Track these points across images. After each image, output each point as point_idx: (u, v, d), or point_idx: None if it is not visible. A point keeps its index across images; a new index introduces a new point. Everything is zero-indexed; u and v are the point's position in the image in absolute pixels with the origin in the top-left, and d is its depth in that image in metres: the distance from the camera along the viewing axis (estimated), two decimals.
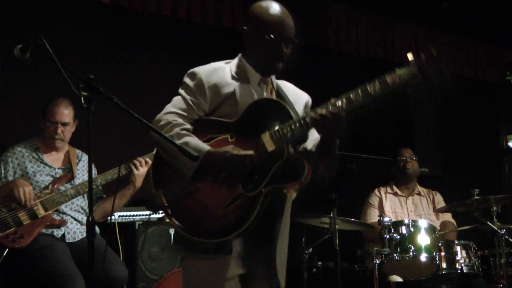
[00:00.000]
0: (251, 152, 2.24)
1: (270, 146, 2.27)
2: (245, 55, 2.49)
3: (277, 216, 2.41)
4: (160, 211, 3.97)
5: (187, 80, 2.43)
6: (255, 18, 2.45)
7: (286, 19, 2.44)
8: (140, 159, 3.83)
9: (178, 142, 2.21)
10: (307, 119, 2.26)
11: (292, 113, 2.31)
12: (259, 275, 2.39)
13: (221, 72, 2.43)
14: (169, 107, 2.38)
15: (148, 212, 4.28)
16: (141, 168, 3.81)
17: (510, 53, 7.19)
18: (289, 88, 2.59)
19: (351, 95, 2.32)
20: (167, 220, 4.20)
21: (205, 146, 2.25)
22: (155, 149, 2.41)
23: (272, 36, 2.39)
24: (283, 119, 2.29)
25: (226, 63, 2.50)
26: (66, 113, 3.77)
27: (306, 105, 2.59)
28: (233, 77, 2.42)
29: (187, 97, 2.38)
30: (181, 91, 2.42)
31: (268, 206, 2.26)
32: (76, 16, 4.70)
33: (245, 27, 2.48)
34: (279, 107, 2.34)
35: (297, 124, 2.27)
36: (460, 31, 6.67)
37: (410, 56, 2.29)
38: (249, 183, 2.24)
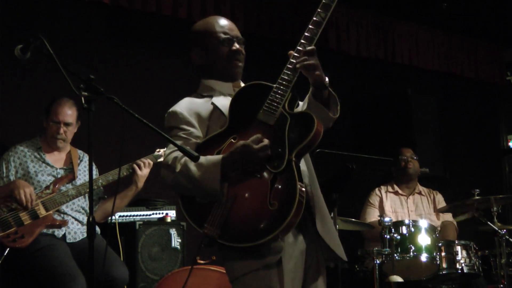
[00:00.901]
0: (256, 136, 2.22)
1: (270, 120, 2.26)
2: (204, 76, 2.51)
3: (310, 213, 2.36)
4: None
5: (169, 122, 2.40)
6: (196, 36, 2.50)
7: (219, 20, 2.50)
8: (143, 160, 3.83)
9: (192, 167, 2.19)
10: (285, 76, 2.29)
11: (269, 83, 2.32)
12: (314, 261, 2.38)
13: (194, 100, 2.44)
14: (167, 151, 2.34)
15: (149, 212, 4.29)
16: (144, 169, 3.81)
17: (510, 53, 7.19)
18: None
19: (308, 34, 2.35)
20: (169, 221, 4.23)
21: (218, 156, 2.23)
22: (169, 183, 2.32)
23: (218, 39, 2.43)
24: (267, 93, 2.30)
25: (193, 94, 2.50)
26: (69, 113, 3.77)
27: None
28: (206, 96, 2.43)
29: (179, 133, 2.35)
30: (171, 132, 2.39)
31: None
32: (76, 16, 4.70)
33: (191, 54, 2.50)
34: (256, 87, 2.36)
35: (280, 86, 2.29)
36: (460, 31, 6.68)
37: None
38: (274, 160, 2.21)
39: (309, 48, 2.30)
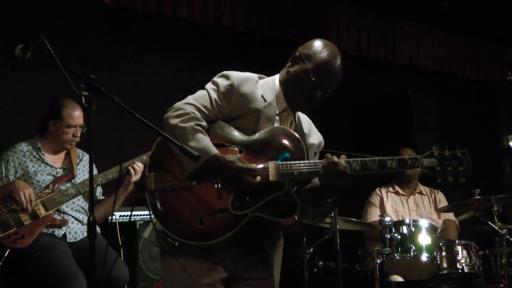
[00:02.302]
0: (255, 167, 2.24)
1: (272, 176, 2.26)
2: (282, 78, 2.48)
3: (267, 239, 2.40)
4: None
5: (218, 79, 2.40)
6: (310, 52, 2.42)
7: (336, 66, 2.42)
8: (135, 166, 3.80)
9: (190, 135, 2.22)
10: (319, 166, 2.27)
11: (306, 155, 2.30)
12: (249, 277, 2.38)
13: (253, 85, 2.41)
14: (191, 99, 2.36)
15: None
16: (137, 175, 3.80)
17: (511, 53, 7.19)
18: (306, 122, 2.60)
19: (368, 163, 2.34)
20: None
21: (214, 149, 2.24)
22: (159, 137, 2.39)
23: (308, 76, 2.38)
24: (295, 156, 2.29)
25: (260, 77, 2.49)
26: (81, 115, 3.78)
27: (319, 145, 2.60)
28: (262, 96, 2.41)
29: (213, 96, 2.35)
30: (209, 87, 2.39)
31: (259, 227, 2.27)
32: (77, 15, 4.70)
33: (297, 53, 2.46)
34: (297, 143, 2.33)
35: (307, 165, 2.27)
36: (461, 31, 6.68)
37: (435, 149, 2.40)
38: (240, 202, 2.24)
39: (347, 167, 2.29)
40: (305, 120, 2.60)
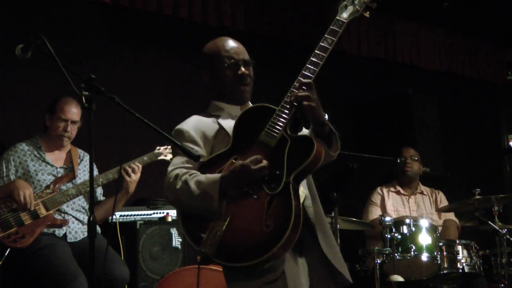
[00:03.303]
0: (256, 156, 2.24)
1: (271, 142, 2.27)
2: (214, 97, 2.54)
3: (310, 226, 2.37)
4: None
5: (175, 139, 2.40)
6: (204, 58, 2.54)
7: (225, 43, 2.54)
8: (132, 165, 3.80)
9: (192, 185, 2.22)
10: (287, 99, 2.29)
11: (272, 106, 2.33)
12: (319, 279, 2.36)
13: (201, 119, 2.47)
14: (170, 168, 2.36)
15: (149, 212, 4.29)
16: (133, 175, 3.79)
17: (511, 53, 7.19)
18: None
19: (314, 59, 2.37)
20: (169, 220, 4.23)
21: (217, 175, 2.25)
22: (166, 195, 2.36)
23: (229, 61, 2.46)
24: (270, 115, 2.31)
25: (200, 113, 2.52)
26: (76, 111, 3.78)
27: None
28: (214, 116, 2.46)
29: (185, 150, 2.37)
30: (175, 151, 2.43)
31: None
32: (77, 15, 4.70)
33: (202, 75, 2.53)
34: (260, 109, 2.37)
35: (283, 109, 2.29)
36: (461, 31, 6.68)
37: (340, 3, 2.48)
38: (271, 182, 2.22)
39: (305, 81, 2.30)
40: None
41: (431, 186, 5.28)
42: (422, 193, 5.14)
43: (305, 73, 2.33)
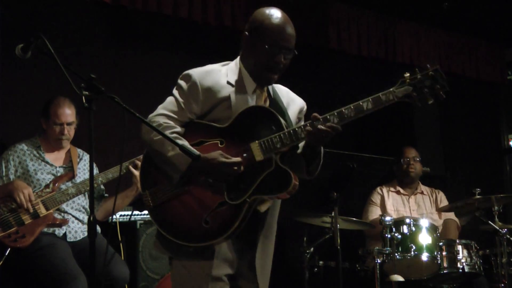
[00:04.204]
0: (238, 159, 2.26)
1: (258, 156, 2.28)
2: (242, 59, 2.48)
3: (259, 223, 2.41)
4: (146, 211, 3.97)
5: (181, 82, 2.42)
6: (256, 24, 2.43)
7: (287, 29, 2.41)
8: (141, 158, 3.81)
9: (167, 145, 2.24)
10: (298, 132, 2.28)
11: (283, 124, 2.31)
12: (245, 276, 2.40)
13: (216, 75, 2.41)
14: (160, 109, 2.39)
15: (144, 211, 4.29)
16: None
17: (511, 53, 7.18)
18: (283, 92, 2.58)
19: (345, 111, 2.31)
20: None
21: (194, 152, 2.25)
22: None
23: (270, 45, 2.38)
24: (274, 129, 2.30)
25: (223, 65, 2.49)
26: (69, 113, 3.78)
27: (300, 111, 2.59)
28: (228, 82, 2.41)
29: (180, 99, 2.38)
30: (175, 92, 2.42)
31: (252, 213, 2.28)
32: (77, 15, 4.70)
33: (246, 32, 2.46)
34: (271, 116, 2.34)
35: (287, 135, 2.28)
36: (461, 31, 6.67)
37: (406, 75, 2.34)
38: (235, 191, 2.26)
39: (339, 126, 2.28)
40: (282, 91, 2.58)
41: (431, 186, 5.28)
42: (422, 193, 5.14)
43: (329, 118, 2.29)
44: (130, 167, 3.77)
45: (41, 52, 2.18)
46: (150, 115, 2.38)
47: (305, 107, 2.61)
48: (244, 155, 2.28)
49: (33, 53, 2.22)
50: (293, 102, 2.56)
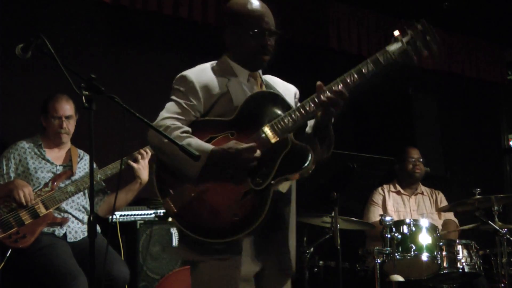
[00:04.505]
0: (253, 144, 2.23)
1: (273, 138, 2.26)
2: (229, 54, 2.49)
3: (285, 205, 2.39)
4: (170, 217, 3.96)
5: (177, 85, 2.41)
6: (235, 14, 2.45)
7: (265, 11, 2.46)
8: (141, 151, 3.82)
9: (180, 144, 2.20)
10: (306, 106, 2.27)
11: (289, 103, 2.32)
12: (271, 267, 2.37)
13: (209, 72, 2.42)
14: (163, 113, 2.36)
15: (150, 212, 4.29)
16: (142, 161, 3.80)
17: (511, 53, 7.19)
18: (276, 82, 2.59)
19: (347, 78, 2.31)
20: (170, 220, 4.24)
21: (208, 146, 2.24)
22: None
23: (255, 30, 2.40)
24: (281, 110, 2.30)
25: (211, 63, 2.49)
26: (68, 107, 3.79)
27: (295, 96, 2.59)
28: (221, 76, 2.41)
29: (180, 100, 2.35)
30: (173, 96, 2.40)
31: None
32: (77, 15, 4.70)
33: (225, 28, 2.48)
34: (275, 98, 2.35)
35: (297, 113, 2.27)
36: (461, 31, 6.68)
37: (396, 33, 2.35)
38: (257, 177, 2.22)
39: (344, 91, 2.28)
40: (275, 81, 2.59)
41: (431, 186, 5.28)
42: (422, 193, 5.13)
43: (334, 88, 2.28)
44: (129, 161, 3.78)
45: (41, 52, 2.18)
46: (155, 122, 2.35)
47: (298, 92, 2.62)
48: (259, 140, 2.26)
49: (33, 53, 2.22)
50: (287, 90, 2.57)
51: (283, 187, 2.35)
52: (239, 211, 2.20)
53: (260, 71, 2.52)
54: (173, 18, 4.95)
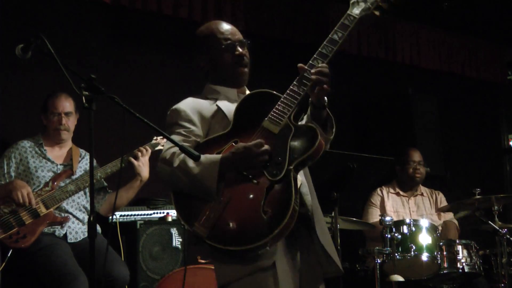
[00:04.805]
0: (259, 140, 2.23)
1: (275, 129, 2.27)
2: (210, 81, 2.52)
3: (311, 198, 2.38)
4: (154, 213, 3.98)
5: (171, 118, 2.41)
6: (204, 37, 2.51)
7: (222, 25, 2.51)
8: (141, 148, 3.82)
9: (190, 164, 2.19)
10: (294, 89, 2.30)
11: (278, 94, 2.34)
12: (309, 269, 2.35)
13: (197, 100, 2.45)
14: (166, 146, 2.34)
15: (150, 212, 4.29)
16: (142, 158, 3.80)
17: (511, 53, 7.19)
18: None
19: (322, 50, 2.37)
20: (170, 220, 4.24)
21: (217, 156, 2.23)
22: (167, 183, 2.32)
23: (224, 44, 2.44)
24: (273, 102, 2.31)
25: (197, 95, 2.51)
26: (67, 104, 3.81)
27: None
28: (209, 99, 2.45)
29: (179, 130, 2.35)
30: (173, 129, 2.39)
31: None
32: (77, 15, 4.70)
33: (197, 58, 2.51)
34: (265, 95, 2.37)
35: (288, 97, 2.29)
36: (461, 31, 6.68)
37: None
38: (274, 168, 2.20)
39: (323, 65, 2.30)
40: None
41: (431, 186, 5.27)
42: (422, 194, 5.12)
43: (313, 63, 2.32)
44: (130, 158, 3.78)
45: (41, 52, 2.18)
46: (161, 154, 2.32)
47: None
48: (262, 136, 2.26)
49: (33, 53, 2.22)
50: None
51: (300, 178, 2.32)
52: (268, 208, 2.16)
53: (245, 88, 2.54)
54: (173, 18, 4.95)
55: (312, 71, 2.29)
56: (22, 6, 4.47)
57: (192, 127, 2.35)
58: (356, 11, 2.43)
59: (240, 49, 2.46)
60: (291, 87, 2.32)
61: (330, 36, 2.39)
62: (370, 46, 6.06)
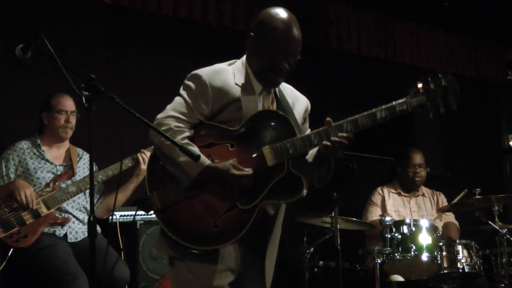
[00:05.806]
0: (250, 171, 2.24)
1: (270, 161, 2.26)
2: (248, 60, 2.45)
3: (267, 227, 2.41)
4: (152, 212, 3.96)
5: (189, 82, 2.38)
6: (260, 27, 2.40)
7: (291, 34, 2.38)
8: (148, 153, 3.82)
9: (178, 151, 2.20)
10: (311, 138, 2.26)
11: (295, 129, 2.29)
12: (251, 281, 2.40)
13: (225, 75, 2.37)
14: (169, 110, 2.35)
15: (149, 212, 4.28)
16: (146, 158, 3.82)
17: (511, 53, 7.18)
18: (288, 91, 2.56)
19: (359, 121, 2.29)
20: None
21: (205, 160, 2.24)
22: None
23: (273, 51, 2.35)
24: (285, 134, 2.28)
25: (229, 64, 2.45)
26: (72, 103, 3.83)
27: (305, 111, 2.58)
28: (236, 83, 2.37)
29: (189, 100, 2.34)
30: (183, 92, 2.37)
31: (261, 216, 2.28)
32: (77, 15, 4.70)
33: (251, 32, 2.43)
34: (282, 120, 2.32)
35: (301, 143, 2.26)
36: (461, 31, 6.67)
37: (419, 85, 2.28)
38: (246, 195, 2.24)
39: (351, 136, 2.28)
40: (286, 90, 2.55)
41: (431, 186, 5.27)
42: (423, 195, 5.12)
43: (342, 125, 2.28)
44: (139, 155, 3.79)
45: (41, 52, 2.18)
46: (159, 116, 2.34)
47: (309, 106, 2.60)
48: (256, 159, 2.26)
49: (33, 53, 2.22)
50: (298, 101, 2.54)
51: (271, 210, 2.36)
52: (220, 224, 2.24)
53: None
54: (173, 18, 4.95)
55: (339, 134, 2.26)
56: (22, 6, 4.47)
57: (203, 105, 2.33)
58: (413, 101, 2.27)
59: (284, 64, 2.36)
60: (309, 135, 2.27)
61: (374, 110, 2.29)
62: (370, 46, 6.06)
